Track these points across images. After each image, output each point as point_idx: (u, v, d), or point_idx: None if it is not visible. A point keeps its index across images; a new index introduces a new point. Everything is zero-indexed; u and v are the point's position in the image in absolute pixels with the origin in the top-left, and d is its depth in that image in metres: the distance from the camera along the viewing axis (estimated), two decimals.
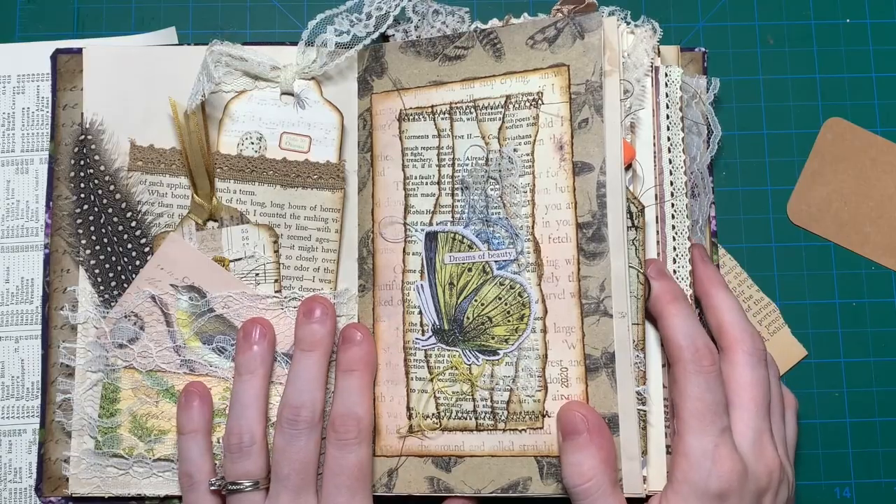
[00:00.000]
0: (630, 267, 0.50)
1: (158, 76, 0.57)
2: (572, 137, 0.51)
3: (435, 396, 0.53)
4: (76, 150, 0.57)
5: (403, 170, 0.55)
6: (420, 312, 0.54)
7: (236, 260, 0.55)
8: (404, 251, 0.54)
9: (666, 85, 0.53)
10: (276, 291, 0.55)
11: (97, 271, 0.56)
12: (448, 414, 0.53)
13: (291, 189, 0.56)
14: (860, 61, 0.62)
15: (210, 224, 0.55)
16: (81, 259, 0.56)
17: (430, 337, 0.53)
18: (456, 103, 0.54)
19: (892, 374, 0.60)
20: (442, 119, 0.54)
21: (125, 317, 0.55)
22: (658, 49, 0.53)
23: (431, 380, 0.53)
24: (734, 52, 0.63)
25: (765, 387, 0.49)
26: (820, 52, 0.63)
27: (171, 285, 0.55)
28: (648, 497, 0.49)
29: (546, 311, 0.51)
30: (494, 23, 0.55)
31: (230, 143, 0.56)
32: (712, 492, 0.46)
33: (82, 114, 0.57)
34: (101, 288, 0.56)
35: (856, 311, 0.60)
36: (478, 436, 0.52)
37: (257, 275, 0.55)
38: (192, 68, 0.55)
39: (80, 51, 0.57)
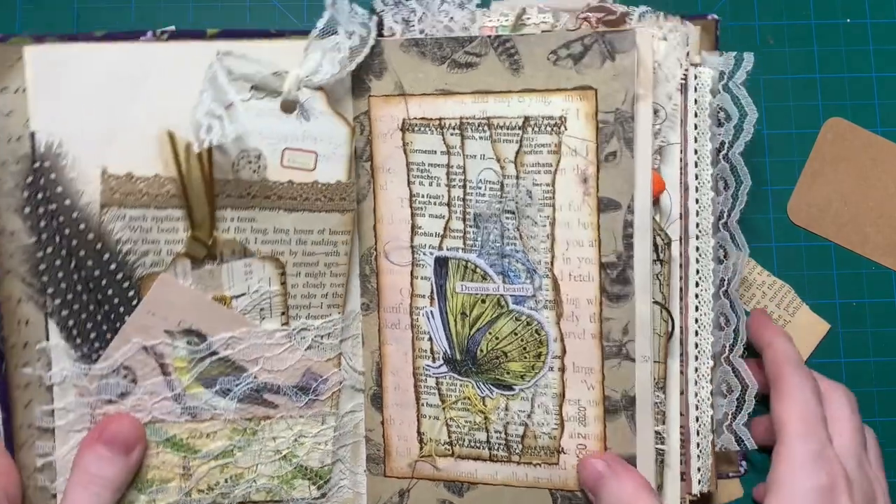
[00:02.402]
0: (654, 302, 0.39)
1: (122, 80, 0.40)
2: (598, 171, 0.39)
3: (447, 424, 0.43)
4: (29, 179, 0.40)
5: (409, 186, 0.42)
6: (430, 339, 0.43)
7: (239, 296, 0.42)
8: (412, 274, 0.43)
9: (695, 89, 0.41)
10: (283, 324, 0.42)
11: (71, 322, 0.40)
12: (461, 442, 0.43)
13: (297, 213, 0.42)
14: (860, 61, 0.54)
15: (208, 262, 0.42)
16: (50, 310, 0.40)
17: (442, 365, 0.43)
18: (467, 118, 0.41)
19: (892, 374, 0.53)
20: (452, 134, 0.41)
21: (113, 371, 0.41)
22: (688, 53, 0.41)
23: (444, 408, 0.43)
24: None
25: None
26: (820, 52, 0.54)
27: (166, 332, 0.41)
28: None
29: (565, 351, 0.41)
30: (503, 11, 0.42)
31: (224, 164, 0.41)
32: (816, 485, 0.40)
33: (32, 134, 0.40)
34: (79, 341, 0.41)
35: (856, 311, 0.53)
36: (491, 465, 0.43)
37: (262, 310, 0.42)
38: (161, 69, 0.40)
39: (5, 38, 0.40)
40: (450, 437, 0.43)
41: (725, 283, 0.43)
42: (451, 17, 0.42)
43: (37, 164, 0.39)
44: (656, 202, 0.40)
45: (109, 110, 0.40)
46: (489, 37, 0.40)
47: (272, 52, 0.41)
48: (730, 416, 0.43)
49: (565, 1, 0.42)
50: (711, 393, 0.42)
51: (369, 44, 0.41)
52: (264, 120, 0.41)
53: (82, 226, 0.40)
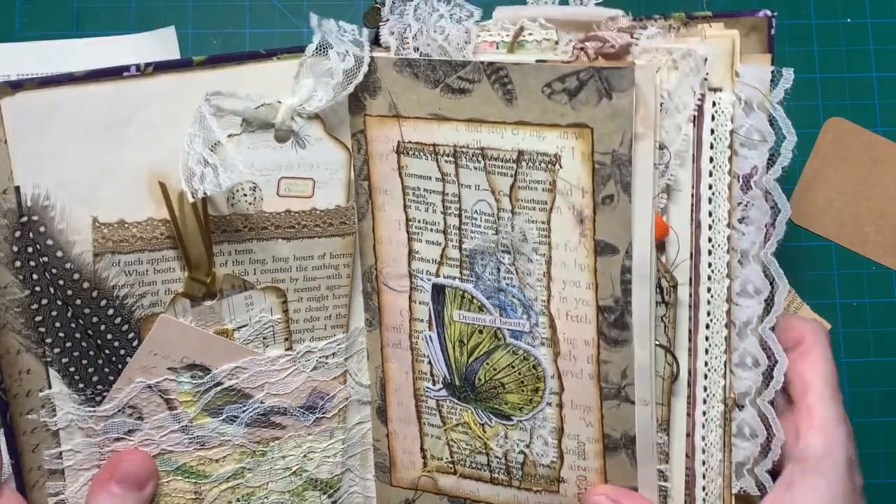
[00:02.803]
0: (657, 345, 0.37)
1: (107, 123, 0.37)
2: (594, 213, 0.37)
3: (449, 444, 0.43)
4: (17, 234, 0.37)
5: (405, 210, 0.41)
6: (430, 363, 0.42)
7: (241, 328, 0.41)
8: (410, 298, 0.41)
9: (713, 118, 0.37)
10: (286, 350, 0.41)
11: (72, 369, 0.39)
12: (463, 462, 0.43)
13: (296, 241, 0.40)
14: (860, 61, 0.53)
15: (207, 299, 0.40)
16: (49, 359, 0.39)
17: (442, 389, 0.42)
18: (461, 147, 0.39)
19: (892, 374, 0.52)
20: (446, 162, 0.39)
21: (119, 411, 0.40)
22: (705, 60, 0.36)
23: (445, 429, 0.42)
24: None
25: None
26: (820, 52, 0.53)
27: (169, 369, 0.40)
28: None
29: (562, 388, 0.40)
30: (501, 25, 0.39)
31: (219, 199, 0.39)
32: (845, 457, 0.38)
33: (17, 188, 0.37)
34: (81, 386, 0.39)
35: (856, 311, 0.52)
36: (493, 487, 0.42)
37: (265, 338, 0.41)
38: (148, 107, 0.37)
39: None
40: (452, 456, 0.42)
41: (754, 320, 0.39)
42: (447, 35, 0.39)
43: (24, 219, 0.37)
44: (661, 245, 0.37)
45: (96, 156, 0.37)
46: (482, 63, 0.37)
47: (263, 80, 0.38)
48: (752, 460, 0.40)
49: (572, 13, 0.38)
50: (732, 435, 0.39)
51: (365, 63, 0.38)
52: (258, 151, 0.39)
53: (76, 276, 0.38)
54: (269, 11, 0.52)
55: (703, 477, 0.40)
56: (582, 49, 0.36)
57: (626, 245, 0.36)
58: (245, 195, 0.39)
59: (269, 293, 0.41)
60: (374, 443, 0.44)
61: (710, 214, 0.38)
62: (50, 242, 0.37)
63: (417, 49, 0.39)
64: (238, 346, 0.40)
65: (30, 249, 0.37)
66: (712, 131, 0.37)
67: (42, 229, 0.37)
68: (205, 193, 0.36)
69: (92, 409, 0.39)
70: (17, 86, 0.36)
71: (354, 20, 0.44)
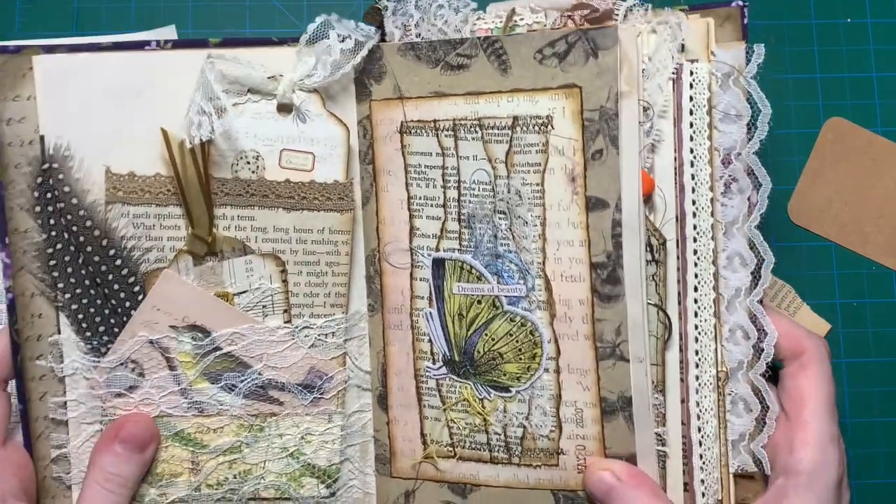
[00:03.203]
0: (649, 304, 0.38)
1: (126, 87, 0.41)
2: (585, 169, 0.38)
3: (448, 425, 0.42)
4: (39, 180, 0.41)
5: (407, 188, 0.42)
6: (430, 341, 0.42)
7: (241, 293, 0.42)
8: (411, 276, 0.42)
9: (691, 86, 0.39)
10: (285, 322, 0.42)
11: (80, 316, 0.41)
12: (462, 443, 0.42)
13: (296, 212, 0.42)
14: (860, 61, 0.53)
15: (209, 258, 0.42)
16: (61, 304, 0.41)
17: (441, 367, 0.42)
18: (460, 120, 0.41)
19: (892, 374, 0.51)
20: (446, 136, 0.41)
21: (121, 365, 0.41)
22: (682, 45, 0.39)
23: (444, 409, 0.42)
24: None
25: None
26: (820, 51, 0.53)
27: (171, 327, 0.41)
28: None
29: (559, 352, 0.40)
30: (497, 11, 0.41)
31: (223, 165, 0.41)
32: (837, 477, 0.38)
33: (42, 137, 0.41)
34: (88, 335, 0.41)
35: (856, 311, 0.51)
36: (493, 467, 0.42)
37: (265, 307, 0.42)
38: (164, 76, 0.41)
39: (18, 50, 0.41)
40: (451, 438, 0.42)
41: (742, 293, 0.39)
42: (446, 21, 0.41)
43: (46, 166, 0.40)
44: (648, 201, 0.39)
45: (114, 115, 0.40)
46: (479, 38, 0.40)
47: (269, 58, 0.41)
48: (747, 437, 0.40)
49: (557, 0, 0.41)
50: (727, 412, 0.40)
51: (366, 47, 0.41)
52: (262, 122, 0.41)
53: (89, 223, 0.40)
54: (269, 11, 0.53)
55: (700, 444, 0.39)
56: (570, 17, 0.39)
57: (616, 198, 0.37)
58: (248, 163, 0.41)
59: (269, 260, 0.42)
60: (375, 433, 0.44)
61: (693, 178, 0.39)
62: (67, 189, 0.40)
63: (419, 36, 0.42)
64: (238, 311, 0.41)
65: (48, 195, 0.40)
66: (691, 98, 0.39)
67: (61, 177, 0.40)
68: (202, 139, 0.39)
69: (97, 359, 0.41)
70: (49, 49, 0.40)
71: (355, 19, 0.48)
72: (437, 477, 0.43)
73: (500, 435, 0.41)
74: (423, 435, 0.43)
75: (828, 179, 0.52)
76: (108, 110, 0.40)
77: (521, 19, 0.41)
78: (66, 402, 0.41)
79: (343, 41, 0.40)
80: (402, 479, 0.43)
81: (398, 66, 0.41)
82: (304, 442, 0.43)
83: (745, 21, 0.40)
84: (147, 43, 0.41)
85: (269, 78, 0.41)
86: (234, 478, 0.43)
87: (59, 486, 0.42)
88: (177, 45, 0.41)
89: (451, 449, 0.42)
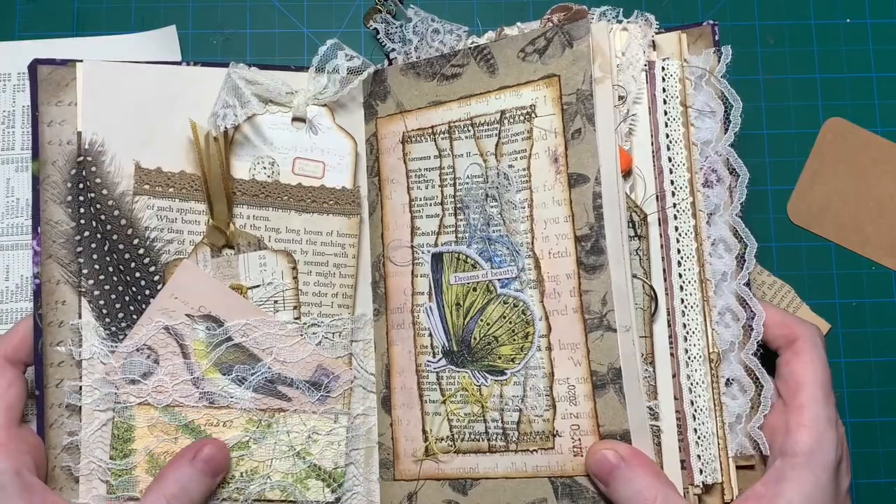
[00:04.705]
0: (635, 277, 0.40)
1: (159, 95, 0.46)
2: (566, 149, 0.42)
3: (448, 419, 0.45)
4: (73, 172, 0.45)
5: (409, 192, 0.47)
6: (430, 335, 0.45)
7: (254, 287, 0.46)
8: (413, 273, 0.46)
9: (664, 80, 0.43)
10: (295, 318, 0.46)
11: (102, 302, 0.45)
12: (461, 436, 0.44)
13: (307, 214, 0.47)
14: (860, 61, 0.55)
15: (226, 251, 0.46)
16: (84, 290, 0.45)
17: (441, 359, 0.45)
18: (454, 122, 0.45)
19: (892, 374, 0.52)
20: (442, 139, 0.46)
21: (137, 350, 0.45)
22: (654, 43, 0.43)
23: (444, 402, 0.45)
24: (734, 52, 0.54)
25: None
26: (820, 52, 0.55)
27: (187, 315, 0.45)
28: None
29: (550, 329, 0.42)
30: (490, 35, 0.47)
31: (242, 168, 0.47)
32: (835, 458, 0.39)
33: (79, 133, 0.45)
34: (108, 320, 0.45)
35: (856, 311, 0.52)
36: (491, 458, 0.44)
37: (276, 302, 0.46)
38: (194, 87, 0.46)
39: (64, 63, 0.46)
40: (451, 431, 0.44)
41: (728, 276, 0.42)
42: (442, 42, 0.47)
43: (80, 159, 0.45)
44: (628, 177, 0.42)
45: (147, 118, 0.46)
46: (469, 48, 0.45)
47: (286, 79, 0.47)
48: (744, 419, 0.41)
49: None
50: (723, 395, 0.41)
51: (370, 67, 0.47)
52: (278, 132, 0.47)
53: (116, 212, 0.45)
54: (269, 11, 0.54)
55: (694, 418, 0.41)
56: (549, 20, 0.44)
57: (595, 172, 0.41)
58: (265, 168, 0.47)
59: (281, 257, 0.46)
60: (379, 437, 0.46)
61: (671, 160, 0.42)
62: (98, 181, 0.45)
63: (419, 57, 0.48)
64: (250, 303, 0.45)
65: (81, 185, 0.45)
66: (664, 90, 0.43)
67: (94, 169, 0.45)
68: (226, 127, 0.44)
69: (114, 344, 0.44)
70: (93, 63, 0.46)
71: (354, 20, 0.53)
72: (438, 475, 0.45)
73: (497, 422, 0.43)
74: (424, 431, 0.45)
75: (827, 179, 0.53)
76: (142, 114, 0.46)
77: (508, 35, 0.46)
78: (80, 388, 0.44)
79: (350, 60, 0.46)
80: (405, 480, 0.45)
81: (399, 84, 0.47)
82: (311, 441, 0.46)
83: (717, 38, 0.44)
84: (179, 63, 0.49)
85: (287, 93, 0.47)
86: (241, 476, 0.45)
87: (66, 477, 0.44)
88: (204, 64, 0.47)
89: (451, 443, 0.44)
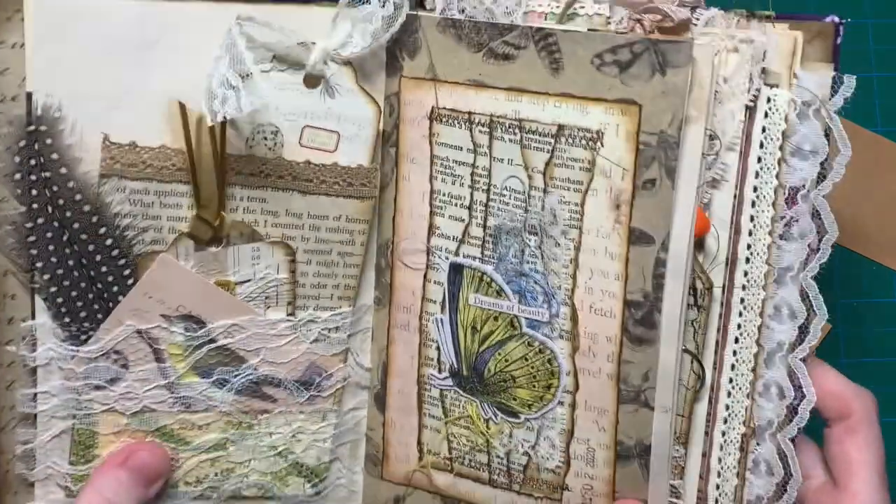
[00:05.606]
0: (684, 351, 0.36)
1: (135, 41, 0.37)
2: (633, 198, 0.36)
3: (448, 439, 0.42)
4: (22, 143, 0.37)
5: (431, 181, 0.40)
6: (438, 348, 0.41)
7: (243, 282, 0.40)
8: (425, 277, 0.41)
9: (766, 114, 0.36)
10: (288, 315, 0.41)
11: (60, 300, 0.38)
12: (461, 460, 0.42)
13: (311, 196, 0.40)
14: (860, 61, 0.53)
15: (213, 244, 0.39)
16: (38, 286, 0.38)
17: (447, 378, 0.41)
18: (498, 117, 0.38)
19: (892, 374, 0.52)
20: (480, 132, 0.39)
21: (103, 355, 0.39)
22: (764, 70, 0.36)
23: (446, 423, 0.42)
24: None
25: None
26: None
27: (162, 316, 0.39)
28: None
29: (578, 387, 0.39)
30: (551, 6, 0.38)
31: (238, 138, 0.38)
32: None
33: (29, 94, 0.37)
34: (67, 321, 0.38)
35: (856, 311, 0.52)
36: (491, 490, 0.41)
37: (267, 298, 0.40)
38: (180, 30, 0.37)
39: None
40: (450, 452, 0.42)
41: (785, 347, 0.38)
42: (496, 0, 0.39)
43: (32, 128, 0.37)
44: (700, 243, 0.36)
45: (117, 72, 0.37)
46: (531, 28, 0.37)
47: (298, 19, 0.38)
48: (765, 500, 0.39)
49: None
50: (748, 470, 0.38)
51: (404, 12, 0.38)
52: (285, 94, 0.38)
53: (78, 196, 0.38)
54: None
55: (716, 502, 0.39)
56: (638, 21, 0.36)
57: (664, 236, 0.35)
58: (265, 138, 0.39)
59: (278, 249, 0.40)
60: (368, 432, 0.43)
61: (753, 219, 0.37)
62: (55, 157, 0.37)
63: (463, 11, 0.39)
64: (238, 301, 0.40)
65: (32, 162, 0.37)
66: (764, 129, 0.36)
67: (49, 141, 0.37)
68: (224, 117, 0.35)
69: (75, 347, 0.39)
70: None
71: None
72: (430, 487, 0.42)
73: (502, 459, 0.40)
74: (420, 443, 0.42)
75: None
76: (110, 65, 0.37)
77: (582, 7, 0.38)
78: (36, 395, 0.39)
79: (384, 6, 0.37)
80: (393, 483, 0.43)
81: (435, 42, 0.38)
82: (295, 440, 0.42)
83: (839, 41, 0.37)
84: None
85: (300, 45, 0.38)
86: (216, 475, 0.42)
87: (21, 483, 0.40)
88: None
89: (448, 462, 0.42)
